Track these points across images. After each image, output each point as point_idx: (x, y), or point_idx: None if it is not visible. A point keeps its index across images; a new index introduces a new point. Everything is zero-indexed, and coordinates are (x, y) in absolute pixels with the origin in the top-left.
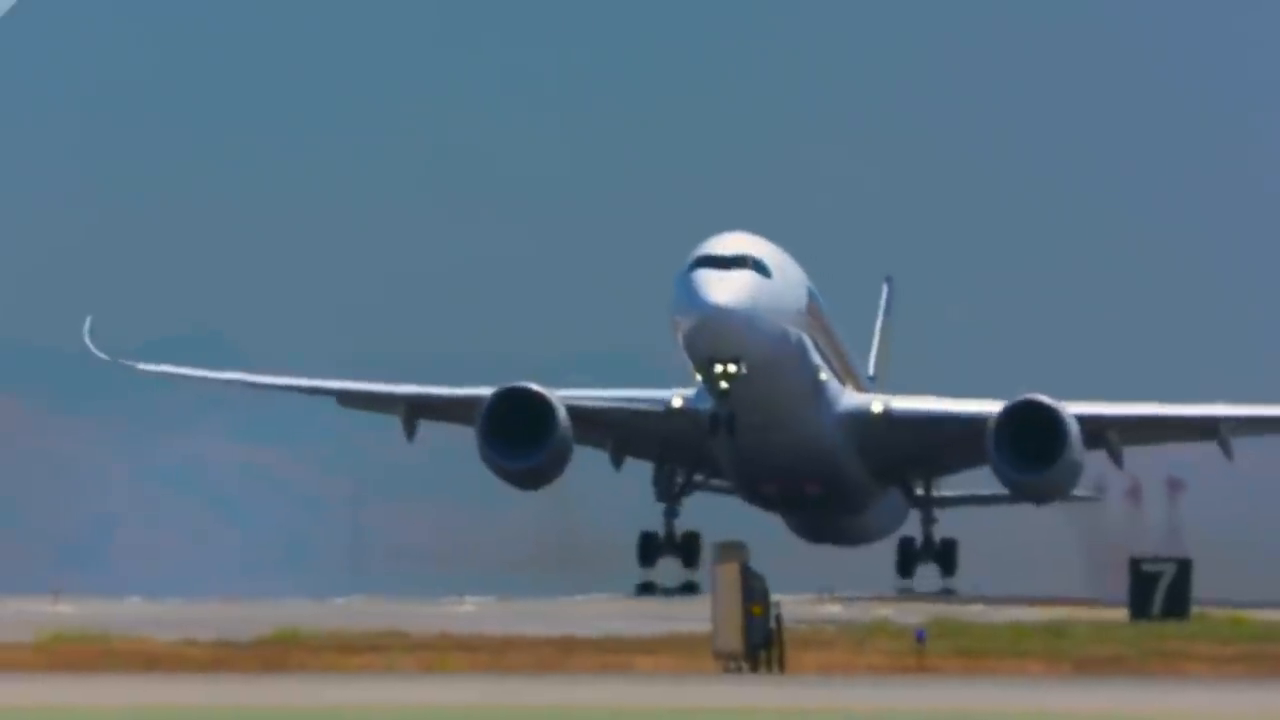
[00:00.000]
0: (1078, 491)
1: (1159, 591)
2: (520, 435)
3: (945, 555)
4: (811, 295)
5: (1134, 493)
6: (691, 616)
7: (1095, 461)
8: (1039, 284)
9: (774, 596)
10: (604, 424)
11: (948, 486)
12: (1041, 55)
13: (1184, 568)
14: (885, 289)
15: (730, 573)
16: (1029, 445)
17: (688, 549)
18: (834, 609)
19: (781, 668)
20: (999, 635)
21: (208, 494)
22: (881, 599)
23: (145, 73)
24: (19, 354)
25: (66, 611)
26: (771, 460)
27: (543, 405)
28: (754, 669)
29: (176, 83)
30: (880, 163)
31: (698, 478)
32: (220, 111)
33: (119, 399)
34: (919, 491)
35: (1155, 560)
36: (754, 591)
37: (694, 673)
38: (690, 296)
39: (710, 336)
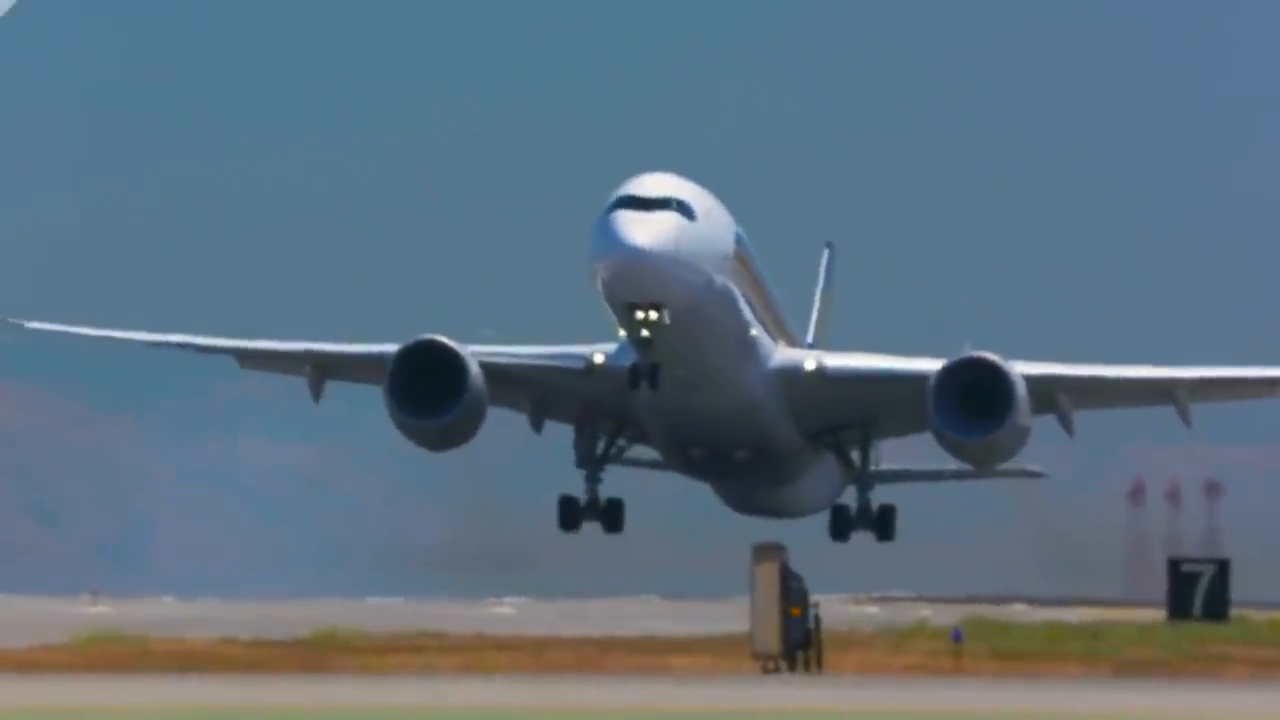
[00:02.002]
0: (1027, 467)
1: (1198, 593)
2: (430, 393)
3: (882, 521)
4: (740, 242)
5: (1173, 495)
6: (729, 617)
7: (1131, 463)
8: (988, 247)
9: (812, 597)
10: (521, 382)
11: (900, 459)
12: (978, 12)
13: (1223, 568)
14: (826, 255)
15: (769, 573)
16: (972, 405)
17: (610, 515)
18: (872, 610)
19: (820, 668)
20: (1036, 636)
21: (245, 494)
22: (921, 599)
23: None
24: (57, 354)
25: (104, 612)
26: (697, 421)
27: (454, 360)
28: (792, 669)
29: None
30: (820, 127)
31: (621, 442)
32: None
33: (157, 400)
34: (854, 457)
35: (1194, 561)
36: (792, 592)
37: (732, 673)
38: (608, 238)
39: (629, 280)
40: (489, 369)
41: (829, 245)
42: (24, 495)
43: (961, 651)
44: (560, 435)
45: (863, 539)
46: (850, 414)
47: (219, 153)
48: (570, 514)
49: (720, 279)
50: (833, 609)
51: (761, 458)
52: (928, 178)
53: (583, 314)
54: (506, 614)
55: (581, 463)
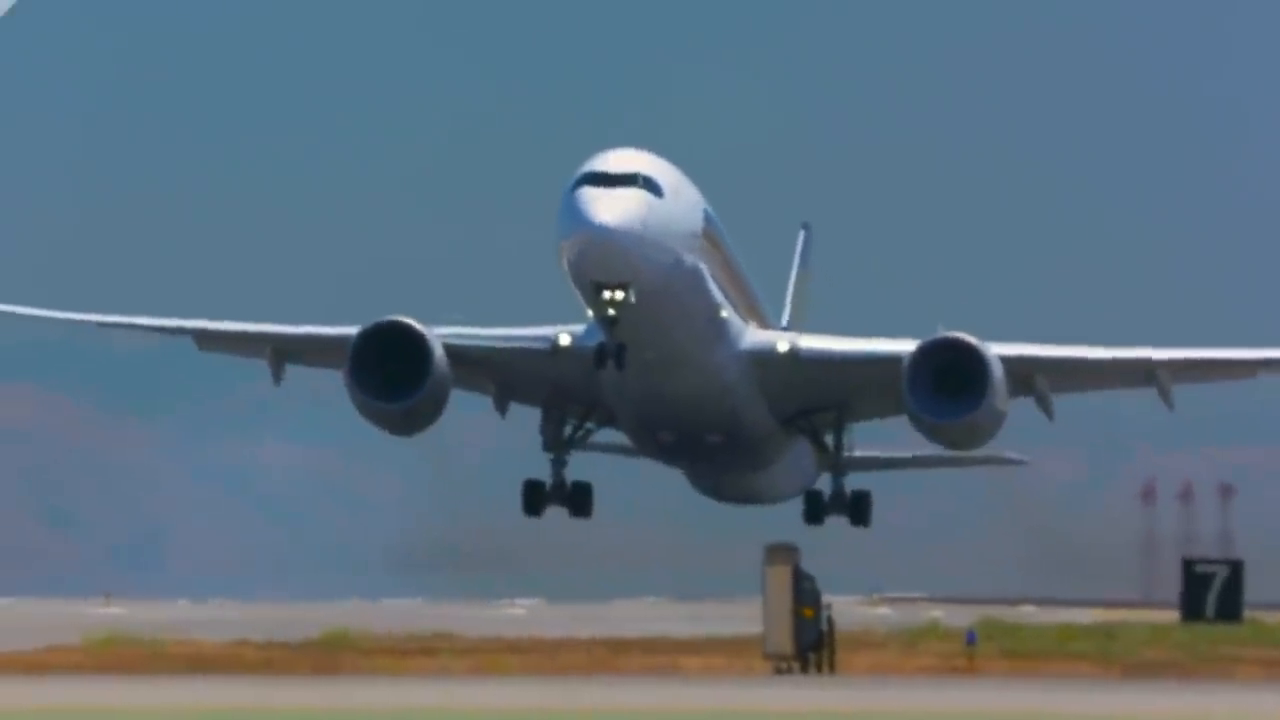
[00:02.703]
0: (1006, 454)
1: (1211, 594)
2: (393, 375)
3: (857, 507)
4: (709, 220)
5: (1186, 496)
6: (742, 618)
7: (1144, 465)
8: (967, 228)
9: (825, 598)
10: (485, 365)
11: (874, 445)
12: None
13: (1236, 570)
14: (802, 236)
15: (781, 575)
16: (948, 387)
17: (577, 500)
18: (884, 610)
19: (832, 669)
20: (1049, 637)
21: (258, 496)
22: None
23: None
24: (70, 356)
25: (117, 614)
26: (666, 404)
27: (417, 342)
28: (805, 670)
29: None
30: (796, 107)
31: (589, 425)
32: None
33: (170, 402)
34: (829, 441)
35: (1208, 562)
36: (805, 594)
37: (745, 674)
38: (574, 216)
39: (595, 259)
40: (453, 351)
41: (805, 226)
42: (38, 497)
43: (975, 653)
44: (529, 419)
45: (867, 538)
46: (824, 397)
47: (180, 136)
48: (535, 499)
49: (689, 257)
50: (845, 610)
51: (733, 442)
52: (905, 158)
53: (550, 296)
54: (519, 615)
55: (548, 446)
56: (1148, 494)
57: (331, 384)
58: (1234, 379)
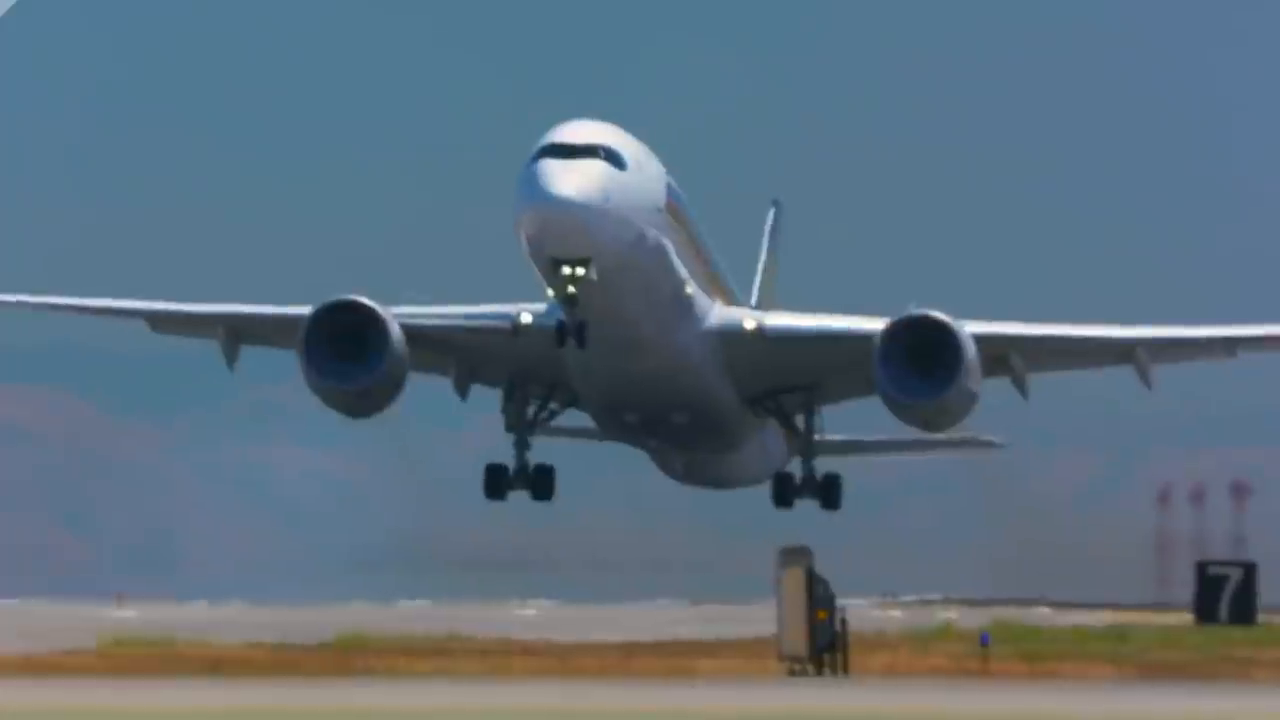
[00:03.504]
0: (982, 437)
1: (1225, 596)
2: (348, 354)
3: (827, 489)
4: (673, 194)
5: (1199, 498)
6: (755, 621)
7: (1157, 466)
8: (941, 204)
9: (838, 600)
10: (444, 344)
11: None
12: None
13: (1249, 571)
14: (771, 213)
15: (795, 577)
16: (919, 366)
17: (539, 483)
18: (897, 613)
19: (846, 671)
20: (1063, 639)
21: (272, 498)
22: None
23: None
24: (83, 356)
25: (131, 616)
26: (631, 384)
27: (373, 321)
28: (818, 672)
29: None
30: (765, 83)
31: (552, 406)
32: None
33: (183, 403)
34: (799, 422)
35: (1221, 564)
36: (818, 596)
37: (758, 676)
38: (532, 189)
39: (553, 233)
40: (411, 331)
41: (775, 203)
42: (51, 499)
43: (988, 654)
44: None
45: (879, 541)
46: (792, 376)
47: (129, 116)
48: (497, 482)
49: (651, 232)
50: (859, 612)
51: (700, 423)
52: (877, 134)
53: (512, 273)
54: (531, 617)
55: (510, 428)
56: (1164, 497)
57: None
58: (1214, 359)
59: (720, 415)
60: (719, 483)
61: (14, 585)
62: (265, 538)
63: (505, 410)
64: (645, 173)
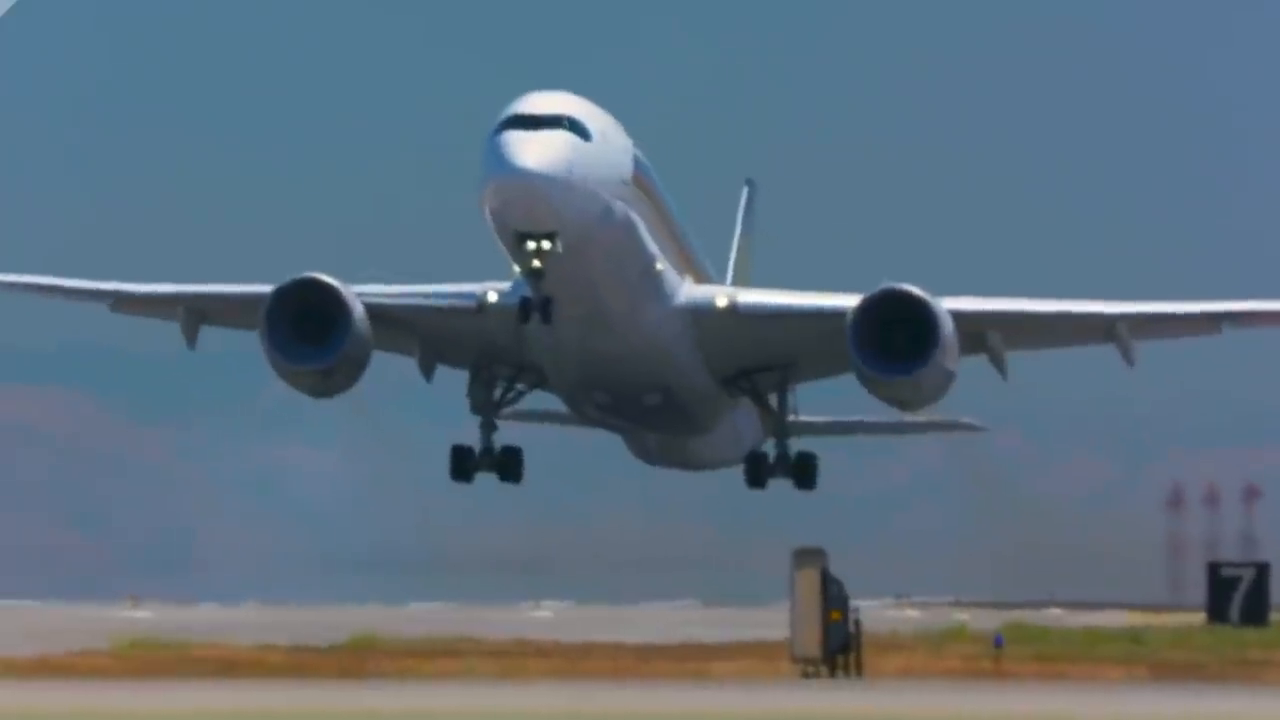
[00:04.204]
0: (963, 419)
1: (1237, 596)
2: (311, 334)
3: (802, 469)
4: (641, 166)
5: (1211, 499)
6: (769, 622)
7: (1170, 468)
8: (918, 181)
9: (852, 602)
10: (409, 324)
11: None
12: None
13: (1262, 572)
14: (745, 192)
15: (809, 579)
16: (895, 342)
17: (506, 465)
18: (911, 614)
19: (859, 672)
20: (1076, 640)
21: (286, 500)
22: (959, 603)
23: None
24: (97, 358)
25: (144, 617)
26: (599, 363)
27: (335, 300)
28: (832, 674)
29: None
30: (738, 63)
31: (519, 387)
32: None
33: (198, 405)
34: (772, 401)
35: (1233, 565)
36: (832, 597)
37: (772, 678)
38: (495, 161)
39: (517, 206)
40: (374, 310)
41: (749, 182)
42: (65, 500)
43: (1002, 656)
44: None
45: (892, 543)
46: (766, 355)
47: (87, 94)
48: (463, 464)
49: (619, 205)
50: (872, 614)
51: (671, 403)
52: (852, 110)
53: (478, 251)
54: (545, 619)
55: (476, 409)
56: (1176, 499)
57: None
58: (1198, 334)
59: (692, 395)
60: (692, 465)
61: (28, 586)
62: (279, 539)
63: (471, 391)
64: (611, 144)
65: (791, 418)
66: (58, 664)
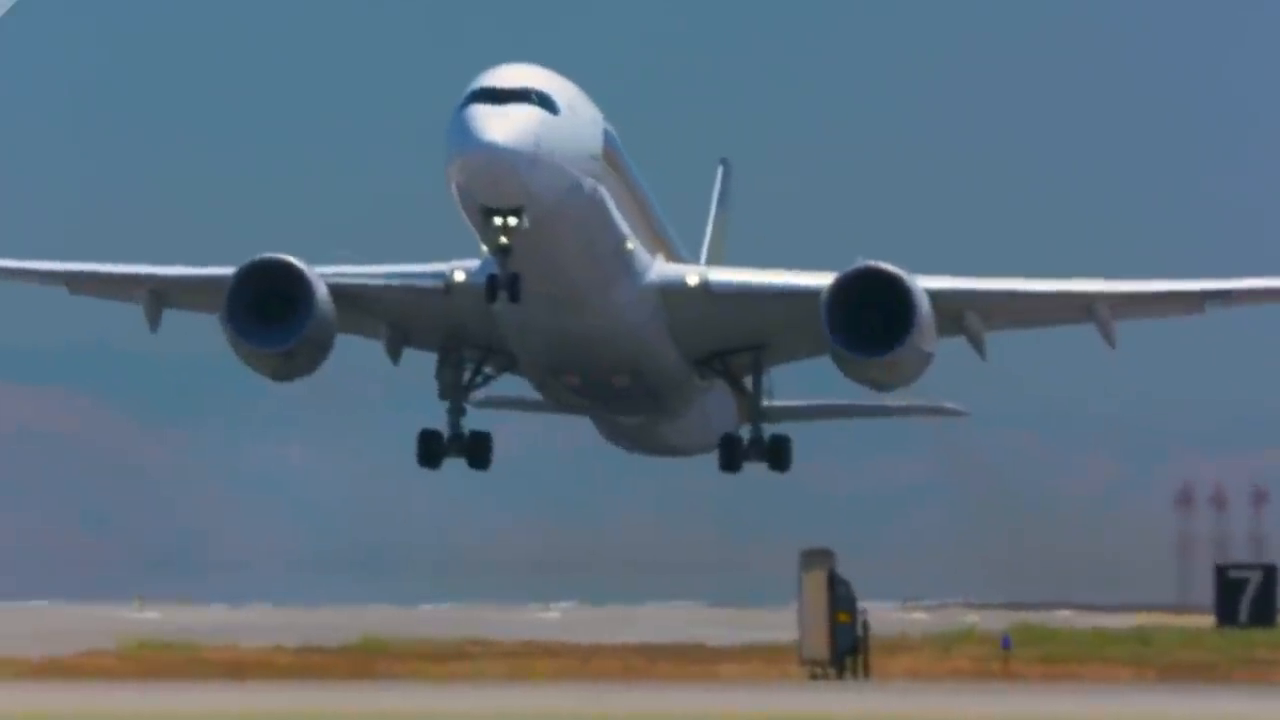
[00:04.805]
0: (946, 404)
1: (1245, 598)
2: (273, 316)
3: (776, 451)
4: (610, 141)
5: (1219, 501)
6: (777, 624)
7: (1178, 470)
8: (896, 160)
9: (860, 603)
10: (374, 305)
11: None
12: None
13: (1269, 574)
14: (720, 173)
15: (817, 580)
16: (870, 322)
17: (475, 450)
18: (920, 615)
19: (867, 674)
20: (1084, 642)
21: (293, 500)
22: (967, 605)
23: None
24: (104, 359)
25: (153, 618)
26: (569, 343)
27: (298, 280)
28: (840, 675)
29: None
30: (713, 43)
31: (488, 370)
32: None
33: (205, 405)
34: (747, 384)
35: (1241, 567)
36: (840, 599)
37: (780, 680)
38: (461, 135)
39: (484, 180)
40: (339, 291)
41: (723, 162)
42: (72, 501)
43: (1010, 657)
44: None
45: (901, 544)
46: (738, 335)
47: (47, 72)
48: (431, 449)
49: (587, 180)
50: (880, 615)
51: (643, 385)
52: (827, 88)
53: (444, 231)
54: (553, 620)
55: (444, 393)
56: (1184, 500)
57: (366, 387)
58: (1180, 314)
59: (664, 377)
60: (664, 450)
61: (36, 587)
62: (287, 540)
63: (439, 374)
64: (580, 118)
65: (766, 402)
66: (65, 665)
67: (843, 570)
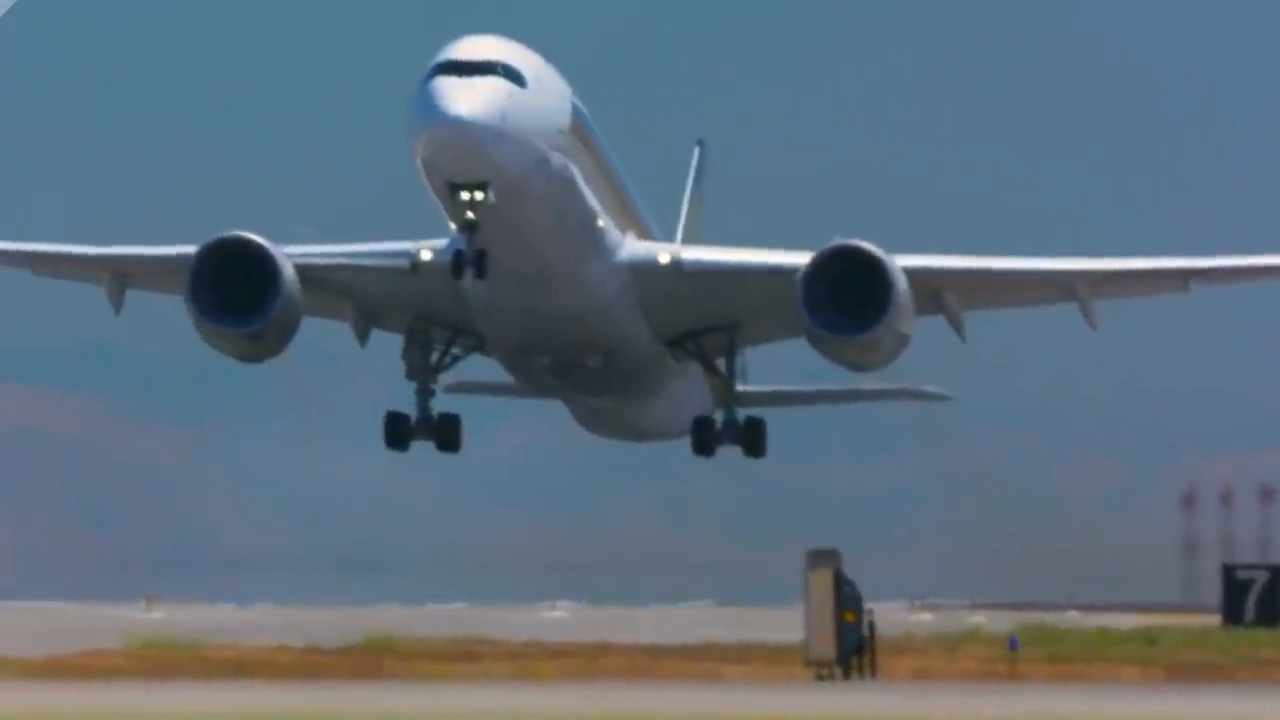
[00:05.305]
0: (926, 388)
1: (1251, 599)
2: (238, 296)
3: (751, 435)
4: (579, 115)
5: (1226, 501)
6: (783, 624)
7: (1185, 470)
8: (873, 139)
9: (866, 604)
10: (341, 285)
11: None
12: None
13: (1276, 575)
14: (696, 153)
15: (823, 580)
16: (847, 301)
17: (445, 433)
18: (926, 616)
19: (874, 675)
20: (1091, 642)
21: (299, 499)
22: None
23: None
24: (110, 358)
25: (158, 618)
26: (538, 323)
27: (263, 259)
28: (846, 676)
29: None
30: (688, 22)
31: (456, 351)
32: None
33: (211, 404)
34: (721, 366)
35: (1247, 567)
36: (847, 599)
37: (786, 680)
38: (426, 108)
39: (449, 154)
40: (304, 270)
41: (700, 143)
42: (78, 501)
43: (1017, 658)
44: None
45: (908, 544)
46: (711, 315)
47: (11, 49)
48: (398, 432)
49: (555, 155)
50: (887, 616)
51: (614, 366)
52: (803, 66)
53: (412, 209)
54: (560, 619)
55: (412, 374)
56: (1191, 500)
57: (373, 388)
58: (1163, 293)
59: (636, 357)
60: (637, 434)
61: (42, 587)
62: (293, 540)
63: (407, 355)
64: (547, 91)
65: (741, 387)
66: (71, 664)
67: (849, 570)
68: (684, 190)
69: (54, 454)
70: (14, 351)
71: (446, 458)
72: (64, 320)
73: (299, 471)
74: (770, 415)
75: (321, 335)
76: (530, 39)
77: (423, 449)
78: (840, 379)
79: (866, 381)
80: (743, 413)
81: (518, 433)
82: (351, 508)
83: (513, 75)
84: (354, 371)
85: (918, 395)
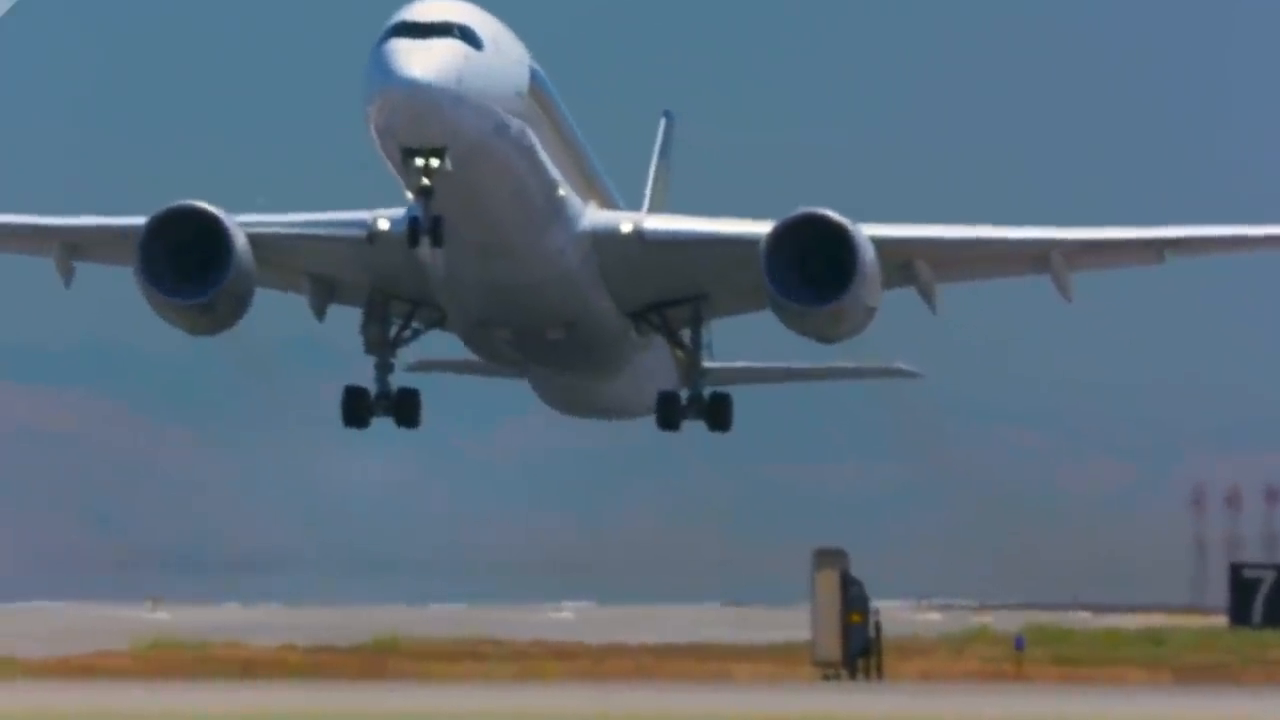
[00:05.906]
0: (897, 365)
1: (1259, 599)
2: (189, 267)
3: (716, 409)
4: (538, 80)
5: (1233, 500)
6: (790, 624)
7: (1191, 470)
8: (842, 105)
9: (873, 604)
10: (296, 255)
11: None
12: None
13: None
14: (662, 124)
15: (829, 580)
16: (812, 271)
17: (404, 408)
18: (933, 616)
19: (880, 675)
20: (1098, 643)
21: (305, 500)
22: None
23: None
24: (116, 358)
25: (164, 618)
26: (498, 294)
27: (215, 229)
28: (853, 677)
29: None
30: None
31: (416, 325)
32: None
33: (217, 404)
34: (685, 337)
35: (1255, 567)
36: (853, 599)
37: (793, 680)
38: (379, 71)
39: (403, 118)
40: (258, 240)
41: (666, 114)
42: (83, 500)
43: (1023, 658)
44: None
45: (913, 544)
46: (675, 285)
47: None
48: (357, 407)
49: (513, 120)
50: (893, 616)
51: (577, 340)
52: (772, 31)
53: (368, 178)
54: (566, 620)
55: (370, 348)
56: (1198, 500)
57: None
58: (1139, 264)
59: (599, 330)
60: (601, 412)
61: (48, 587)
62: (299, 540)
63: (365, 329)
64: (505, 54)
65: (708, 363)
66: (78, 665)
67: (856, 570)
68: (650, 162)
69: (57, 454)
70: (14, 351)
71: (453, 458)
72: (65, 320)
73: (305, 471)
74: (775, 416)
75: (323, 335)
76: (492, 5)
77: (427, 447)
78: (812, 357)
79: (836, 358)
80: (709, 389)
81: (522, 433)
82: (357, 508)
83: (469, 37)
84: (357, 372)
85: (888, 373)
